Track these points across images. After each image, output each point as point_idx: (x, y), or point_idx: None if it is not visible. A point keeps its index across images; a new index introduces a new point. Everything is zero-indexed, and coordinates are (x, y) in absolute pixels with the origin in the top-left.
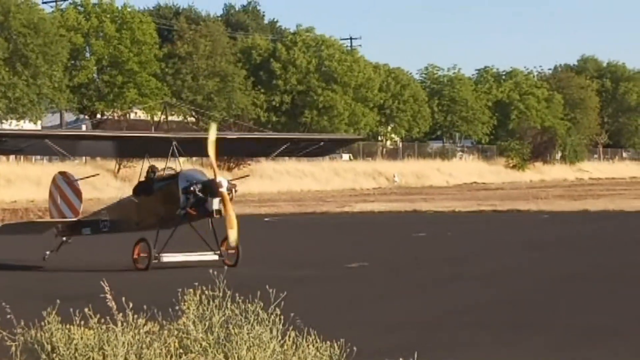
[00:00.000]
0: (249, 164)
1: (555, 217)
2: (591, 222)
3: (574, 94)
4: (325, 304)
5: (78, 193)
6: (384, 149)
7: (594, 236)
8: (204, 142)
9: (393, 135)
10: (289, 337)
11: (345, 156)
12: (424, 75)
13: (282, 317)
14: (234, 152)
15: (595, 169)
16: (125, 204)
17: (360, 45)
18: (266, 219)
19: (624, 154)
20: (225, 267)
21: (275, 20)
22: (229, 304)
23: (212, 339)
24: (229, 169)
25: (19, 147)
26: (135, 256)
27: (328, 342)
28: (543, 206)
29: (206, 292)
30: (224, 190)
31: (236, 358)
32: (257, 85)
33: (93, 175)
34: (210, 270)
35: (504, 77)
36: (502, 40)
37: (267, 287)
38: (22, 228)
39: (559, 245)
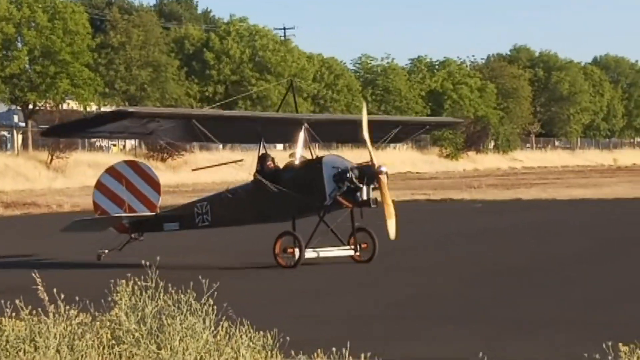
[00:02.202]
0: (183, 154)
1: (489, 206)
2: (524, 211)
3: (506, 84)
4: (258, 295)
5: (154, 184)
6: None
7: (527, 226)
8: (339, 124)
9: None
10: (222, 327)
11: (280, 146)
12: (357, 65)
13: (215, 307)
14: (339, 137)
15: (528, 158)
16: (241, 193)
17: (294, 35)
18: None
19: (557, 143)
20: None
21: (208, 10)
22: (161, 295)
23: (145, 330)
24: (163, 160)
25: (157, 128)
26: (277, 251)
27: (261, 332)
28: (476, 195)
29: (139, 283)
30: (383, 176)
31: (169, 349)
32: (191, 76)
33: (236, 161)
34: (143, 261)
35: (437, 66)
36: (435, 29)
37: (200, 277)
38: (94, 224)
39: (492, 236)
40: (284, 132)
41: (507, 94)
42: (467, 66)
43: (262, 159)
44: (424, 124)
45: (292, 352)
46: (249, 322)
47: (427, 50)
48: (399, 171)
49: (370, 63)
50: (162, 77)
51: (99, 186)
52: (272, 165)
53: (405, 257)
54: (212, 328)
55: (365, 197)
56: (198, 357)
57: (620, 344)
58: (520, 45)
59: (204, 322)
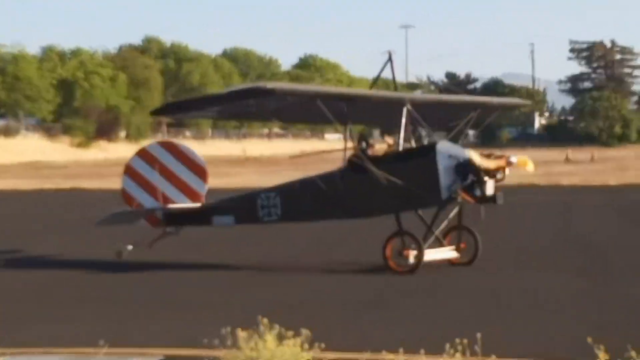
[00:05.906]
0: None
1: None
2: None
3: (138, 74)
4: None
5: (198, 170)
6: None
7: None
8: (446, 106)
9: None
10: None
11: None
12: None
13: None
14: (444, 121)
15: None
16: (331, 181)
17: None
18: None
19: (187, 133)
20: None
21: None
22: None
23: None
24: None
25: (272, 108)
26: (389, 254)
27: None
28: (111, 184)
29: None
30: (515, 163)
31: None
32: None
33: (327, 151)
34: None
35: (69, 55)
36: (66, 18)
37: None
38: (131, 216)
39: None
40: (380, 114)
41: (138, 84)
42: (99, 56)
43: (363, 139)
44: (498, 106)
45: None
46: None
47: (60, 39)
48: (29, 160)
49: None
50: None
51: (129, 171)
52: (371, 150)
53: (36, 242)
54: None
55: (490, 192)
56: None
57: (239, 329)
58: (151, 36)
59: None
